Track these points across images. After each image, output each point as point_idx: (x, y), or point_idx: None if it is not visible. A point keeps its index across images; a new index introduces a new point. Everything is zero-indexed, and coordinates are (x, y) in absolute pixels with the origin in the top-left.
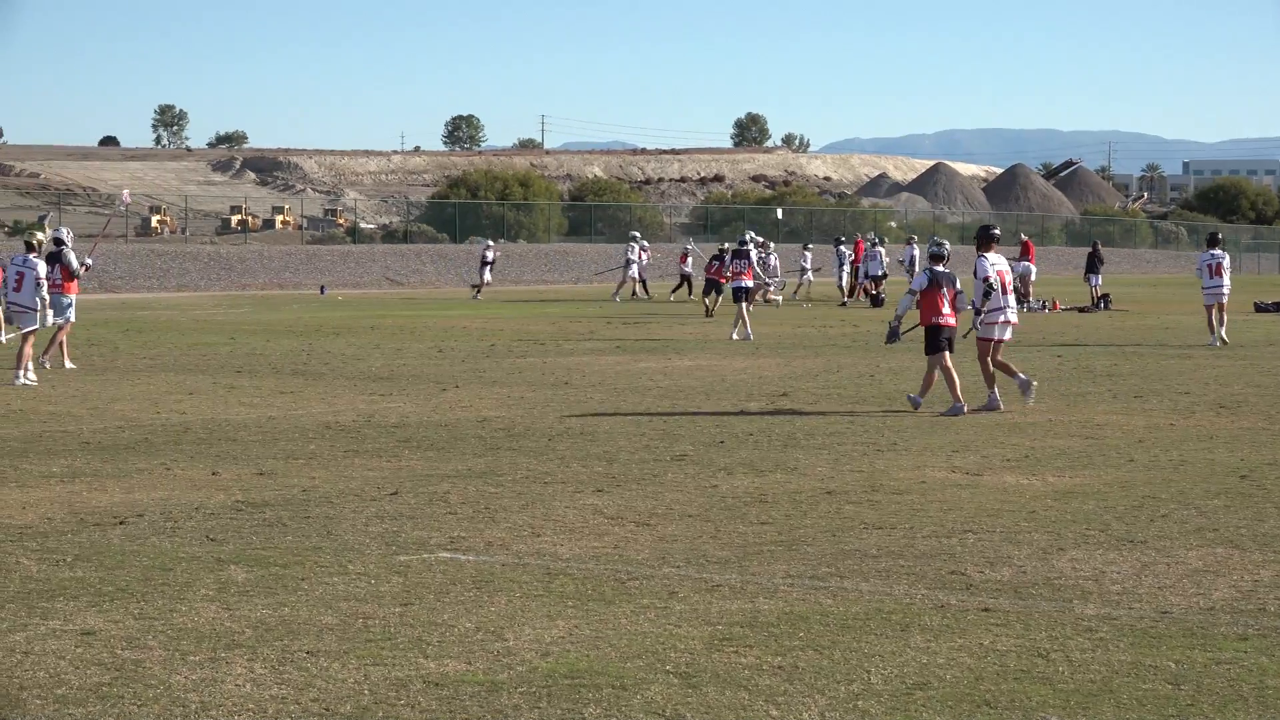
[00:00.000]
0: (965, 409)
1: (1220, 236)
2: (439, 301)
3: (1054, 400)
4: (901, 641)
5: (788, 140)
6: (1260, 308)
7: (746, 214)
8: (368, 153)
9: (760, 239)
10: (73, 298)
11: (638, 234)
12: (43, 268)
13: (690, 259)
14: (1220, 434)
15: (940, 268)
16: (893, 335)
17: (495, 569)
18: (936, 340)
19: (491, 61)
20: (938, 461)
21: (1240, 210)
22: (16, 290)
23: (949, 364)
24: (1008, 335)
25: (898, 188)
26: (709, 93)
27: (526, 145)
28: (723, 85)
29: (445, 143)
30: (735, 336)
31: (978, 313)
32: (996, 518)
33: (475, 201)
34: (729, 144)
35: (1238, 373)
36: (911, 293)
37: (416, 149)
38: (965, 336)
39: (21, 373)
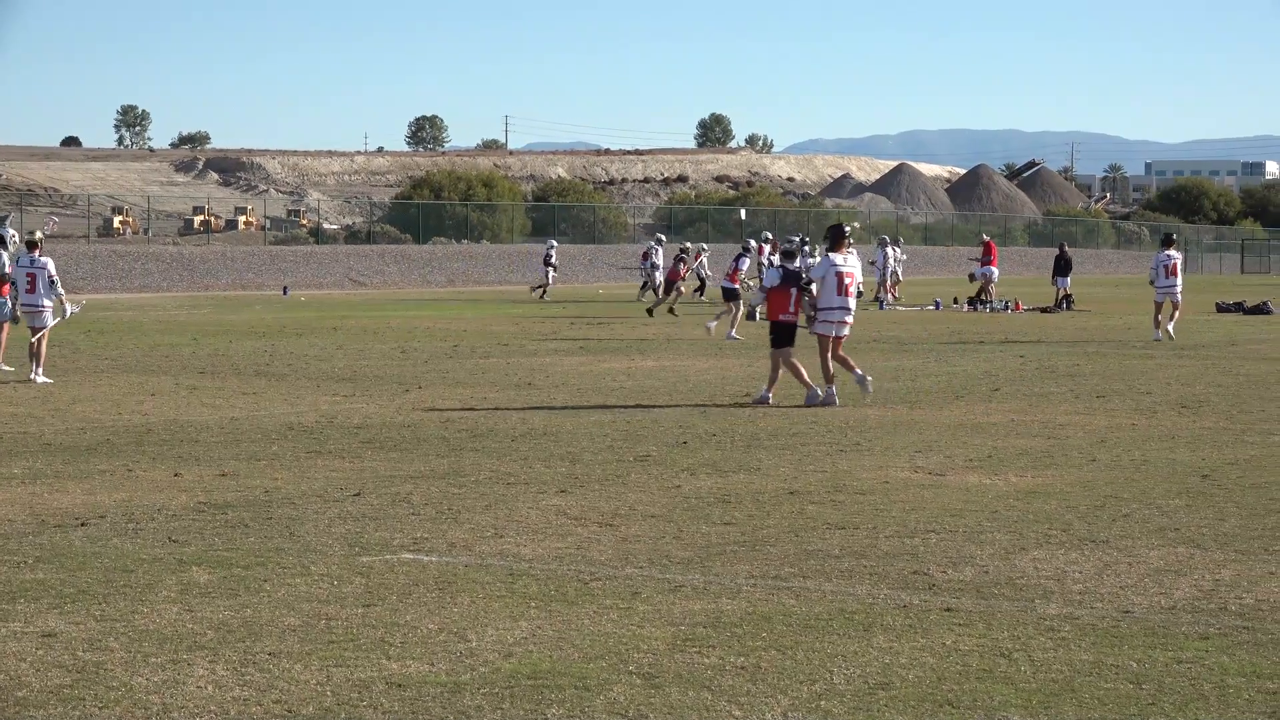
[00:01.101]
0: (821, 394)
1: (1175, 238)
2: (403, 302)
3: (1017, 400)
4: (864, 641)
5: (751, 141)
6: (1222, 308)
7: (710, 215)
8: (331, 153)
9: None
10: (5, 299)
11: (662, 236)
12: (52, 265)
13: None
14: (1182, 434)
15: (792, 265)
16: (750, 316)
17: (458, 570)
18: (782, 336)
19: (455, 62)
20: (900, 462)
21: (1202, 211)
22: (29, 291)
23: (793, 360)
24: (845, 333)
25: (861, 188)
26: (673, 93)
27: (490, 146)
28: (687, 86)
29: (409, 143)
30: (734, 335)
31: (813, 310)
32: (959, 518)
33: (439, 202)
34: (693, 144)
35: (1199, 373)
36: (763, 289)
37: (380, 149)
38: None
39: (37, 371)
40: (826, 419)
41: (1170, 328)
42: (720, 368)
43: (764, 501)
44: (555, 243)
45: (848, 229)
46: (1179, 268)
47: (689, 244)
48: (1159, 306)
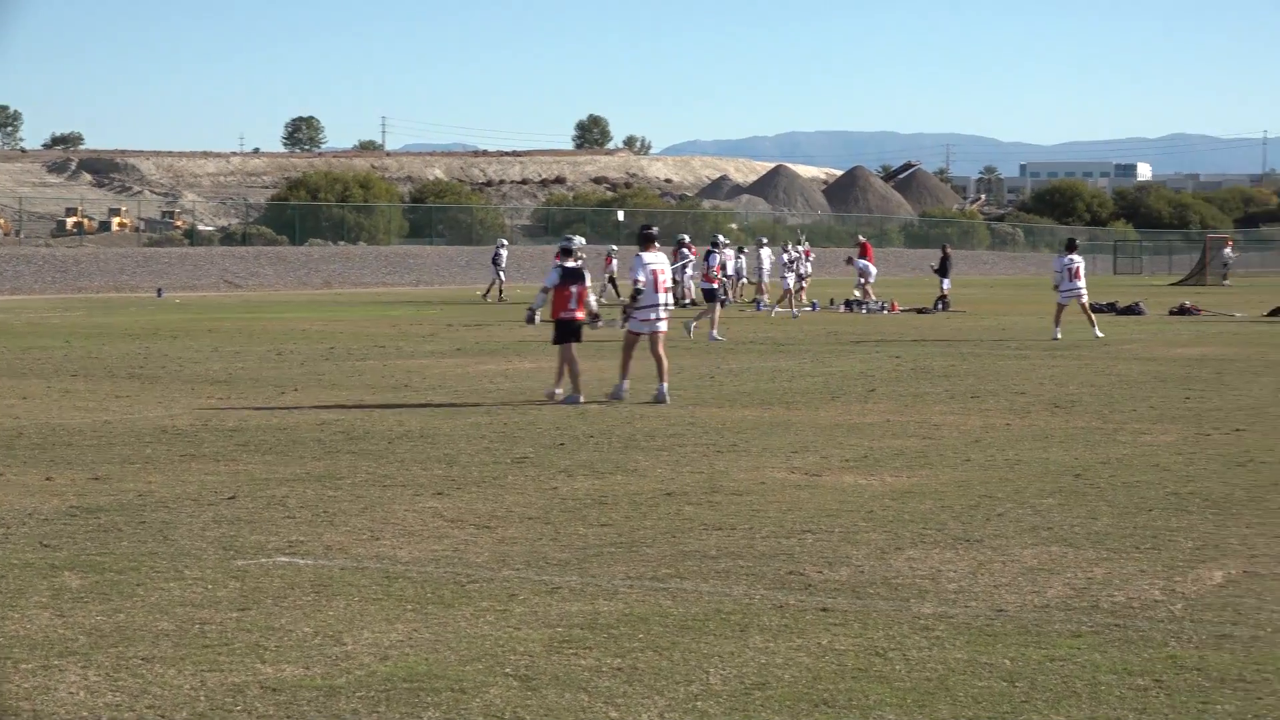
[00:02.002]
0: (581, 399)
1: (1077, 242)
2: (278, 304)
3: (892, 401)
4: (740, 642)
5: (629, 142)
6: (1095, 308)
7: (588, 216)
8: (206, 154)
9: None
10: None
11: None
12: None
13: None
14: (1055, 433)
15: (571, 264)
16: (530, 318)
17: (334, 573)
18: (564, 332)
19: (332, 62)
20: (777, 462)
21: (1076, 212)
22: None
23: (574, 355)
24: (660, 329)
25: (738, 190)
26: (551, 94)
27: (367, 147)
28: (564, 87)
29: (285, 144)
30: (716, 335)
31: (629, 309)
32: (835, 518)
33: (315, 203)
34: (570, 146)
35: (1072, 372)
36: (544, 289)
37: (256, 150)
38: (594, 327)
39: None
40: (703, 419)
41: (1097, 331)
42: (598, 369)
43: (641, 503)
44: (505, 241)
45: (654, 229)
46: (1082, 270)
47: (615, 247)
48: (1061, 309)
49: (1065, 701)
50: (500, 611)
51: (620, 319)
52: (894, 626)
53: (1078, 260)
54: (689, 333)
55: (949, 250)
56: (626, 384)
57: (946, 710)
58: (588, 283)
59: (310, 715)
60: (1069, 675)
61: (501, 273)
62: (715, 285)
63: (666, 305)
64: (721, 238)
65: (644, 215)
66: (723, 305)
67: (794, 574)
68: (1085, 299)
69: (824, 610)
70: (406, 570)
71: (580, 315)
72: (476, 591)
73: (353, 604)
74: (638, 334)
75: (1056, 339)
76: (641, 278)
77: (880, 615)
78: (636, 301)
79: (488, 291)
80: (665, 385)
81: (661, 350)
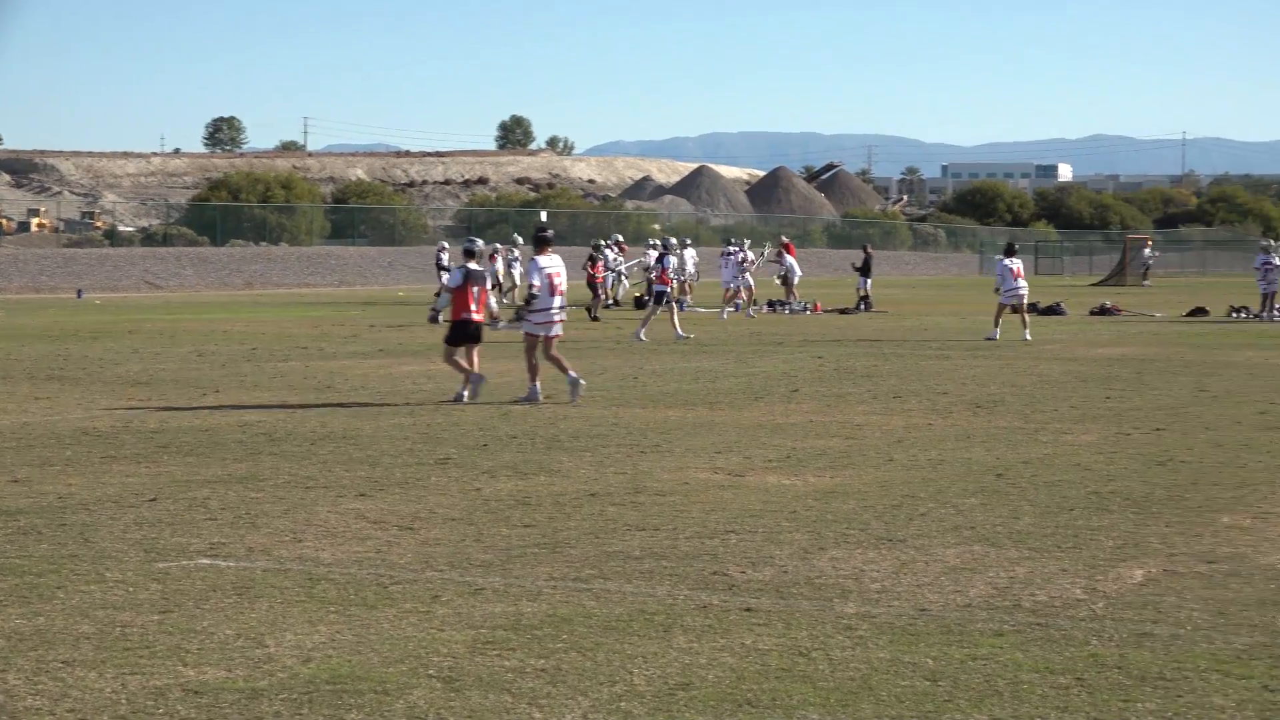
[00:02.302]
0: (466, 397)
1: (1016, 246)
2: (200, 305)
3: (815, 401)
4: (664, 642)
5: (552, 143)
6: (1016, 309)
7: (511, 217)
8: (126, 154)
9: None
10: None
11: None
12: None
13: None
14: (977, 433)
15: (474, 265)
16: (433, 318)
17: (256, 575)
18: (460, 333)
19: (253, 62)
20: (700, 463)
21: (997, 213)
22: None
23: (459, 358)
24: (556, 332)
25: (661, 190)
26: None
27: (289, 147)
28: (487, 87)
29: (206, 144)
30: (682, 334)
31: (522, 312)
32: (758, 518)
33: (237, 204)
34: (493, 146)
35: (994, 373)
36: (448, 289)
37: (177, 151)
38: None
39: None
40: (627, 420)
41: (1027, 334)
42: (521, 370)
43: (564, 503)
44: (446, 244)
45: (549, 232)
46: (1022, 271)
47: (602, 240)
48: (1002, 309)
49: (988, 700)
50: (423, 613)
51: (508, 321)
52: (817, 626)
53: (1018, 262)
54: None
55: (870, 250)
56: (538, 385)
57: (870, 710)
58: (489, 284)
59: (233, 718)
60: (991, 674)
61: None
62: (667, 286)
63: (562, 308)
64: (673, 240)
65: (567, 216)
66: (680, 308)
67: (718, 574)
68: (1025, 300)
69: (748, 610)
70: (329, 572)
71: (479, 316)
72: (400, 593)
73: (275, 606)
74: (536, 336)
75: (993, 338)
76: (536, 281)
77: (804, 615)
78: (531, 305)
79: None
80: (573, 372)
81: (555, 353)
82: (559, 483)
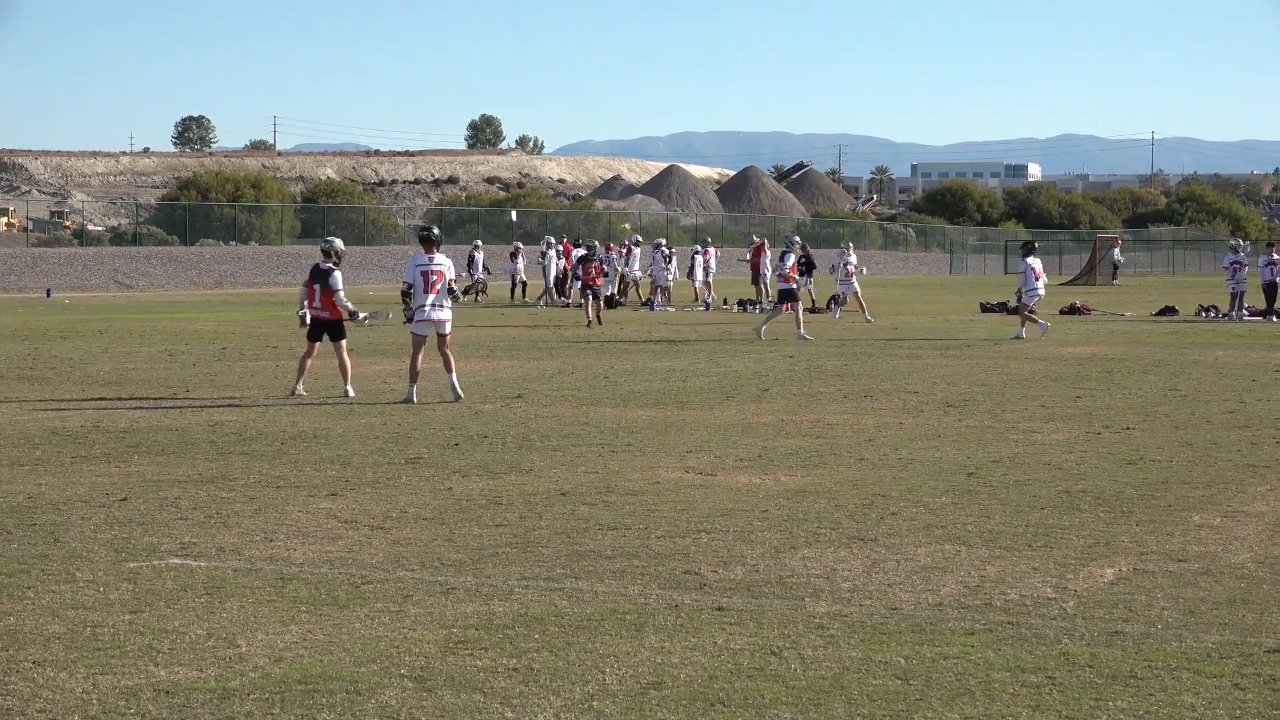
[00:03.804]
0: (353, 393)
1: (1036, 245)
2: (170, 305)
3: (786, 400)
4: (636, 641)
5: (522, 142)
6: (986, 308)
7: (481, 216)
8: (95, 154)
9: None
10: None
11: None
12: None
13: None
14: (947, 432)
15: (324, 264)
16: (352, 316)
17: (227, 575)
18: (312, 330)
19: (223, 61)
20: (671, 462)
21: (967, 212)
22: None
23: (313, 354)
24: (446, 330)
25: (632, 190)
26: (443, 94)
27: (258, 146)
28: (457, 87)
29: (175, 144)
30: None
31: (406, 313)
32: (730, 517)
33: (206, 203)
34: (463, 146)
35: (964, 372)
36: (336, 289)
37: (146, 150)
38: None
39: None
40: (598, 419)
41: (1022, 332)
42: (491, 369)
43: (536, 503)
44: (480, 242)
45: (435, 232)
46: (1041, 271)
47: (596, 242)
48: (1025, 309)
49: (959, 699)
50: (395, 613)
51: (369, 317)
52: (789, 625)
53: (1038, 262)
54: (759, 336)
55: (808, 249)
56: (415, 388)
57: (841, 709)
58: (336, 285)
59: (204, 718)
60: (963, 673)
61: (479, 273)
62: (792, 285)
63: (438, 305)
64: (795, 238)
65: (538, 216)
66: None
67: (689, 573)
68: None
69: (719, 609)
70: (300, 572)
71: (326, 314)
72: (371, 593)
73: (246, 606)
74: (421, 336)
75: (1043, 329)
76: (408, 279)
77: (775, 614)
78: (408, 303)
79: (476, 294)
80: (453, 377)
81: (447, 349)
82: (530, 482)
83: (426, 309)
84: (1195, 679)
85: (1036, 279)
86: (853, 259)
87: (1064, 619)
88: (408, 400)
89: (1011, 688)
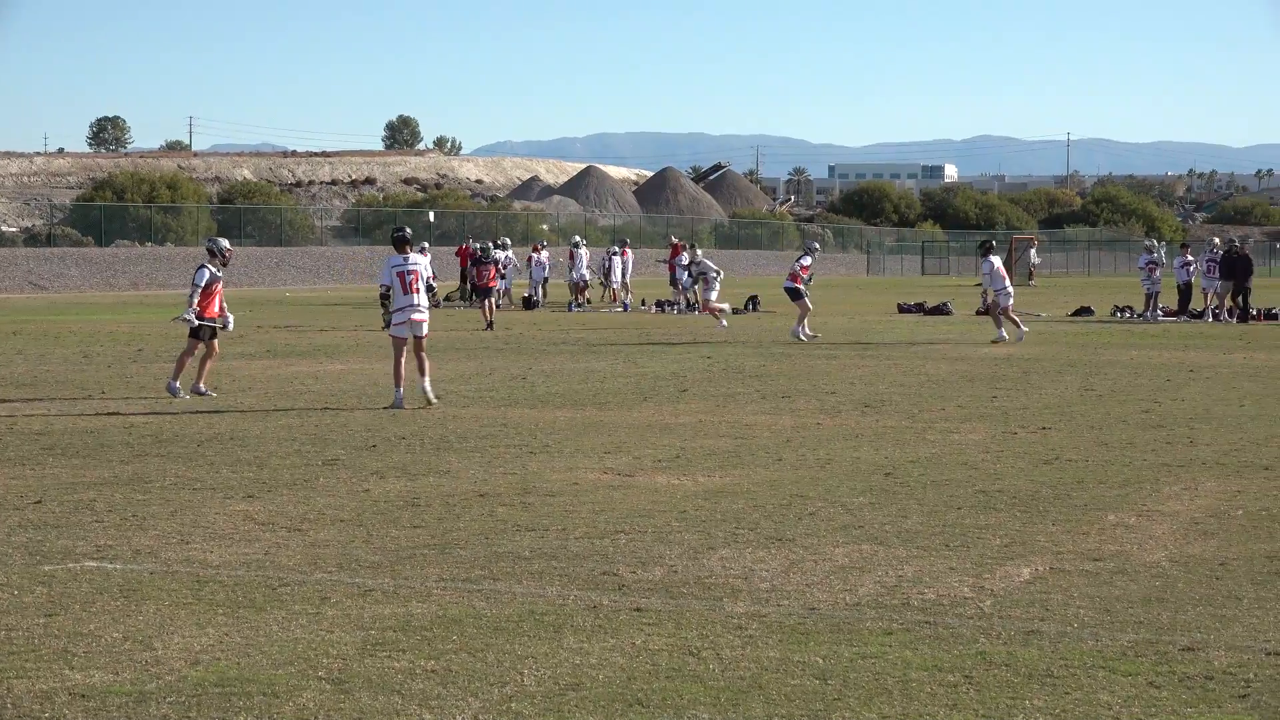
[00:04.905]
0: (204, 391)
1: (994, 244)
2: (85, 306)
3: (704, 401)
4: (554, 643)
5: (440, 143)
6: (904, 308)
7: (399, 217)
8: (9, 154)
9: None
10: None
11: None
12: None
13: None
14: (865, 433)
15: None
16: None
17: (143, 577)
18: (196, 332)
19: (138, 61)
20: (590, 463)
21: (884, 213)
22: None
23: (192, 351)
24: (423, 331)
25: (549, 190)
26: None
27: (174, 147)
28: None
29: (90, 144)
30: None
31: (385, 315)
32: (648, 518)
33: (122, 204)
34: (380, 146)
35: (882, 372)
36: (195, 286)
37: (60, 150)
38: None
39: None
40: (516, 421)
41: (1006, 334)
42: (410, 370)
43: (454, 504)
44: (581, 239)
45: (408, 232)
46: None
47: (491, 242)
48: (1007, 310)
49: (877, 699)
50: (312, 615)
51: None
52: (707, 626)
53: (999, 260)
54: (800, 337)
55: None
56: (401, 392)
57: (760, 709)
58: (198, 281)
59: None
60: (880, 672)
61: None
62: (799, 285)
63: (418, 306)
64: (815, 243)
65: (455, 216)
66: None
67: (607, 574)
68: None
69: (637, 610)
70: (217, 574)
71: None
72: (288, 595)
73: (163, 608)
74: (401, 339)
75: (1003, 339)
76: (386, 281)
77: (693, 615)
78: (387, 306)
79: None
80: (427, 381)
81: (423, 353)
82: (448, 483)
83: (411, 310)
84: (1111, 677)
85: (1004, 277)
86: (699, 256)
87: (981, 618)
88: (397, 405)
89: (929, 687)
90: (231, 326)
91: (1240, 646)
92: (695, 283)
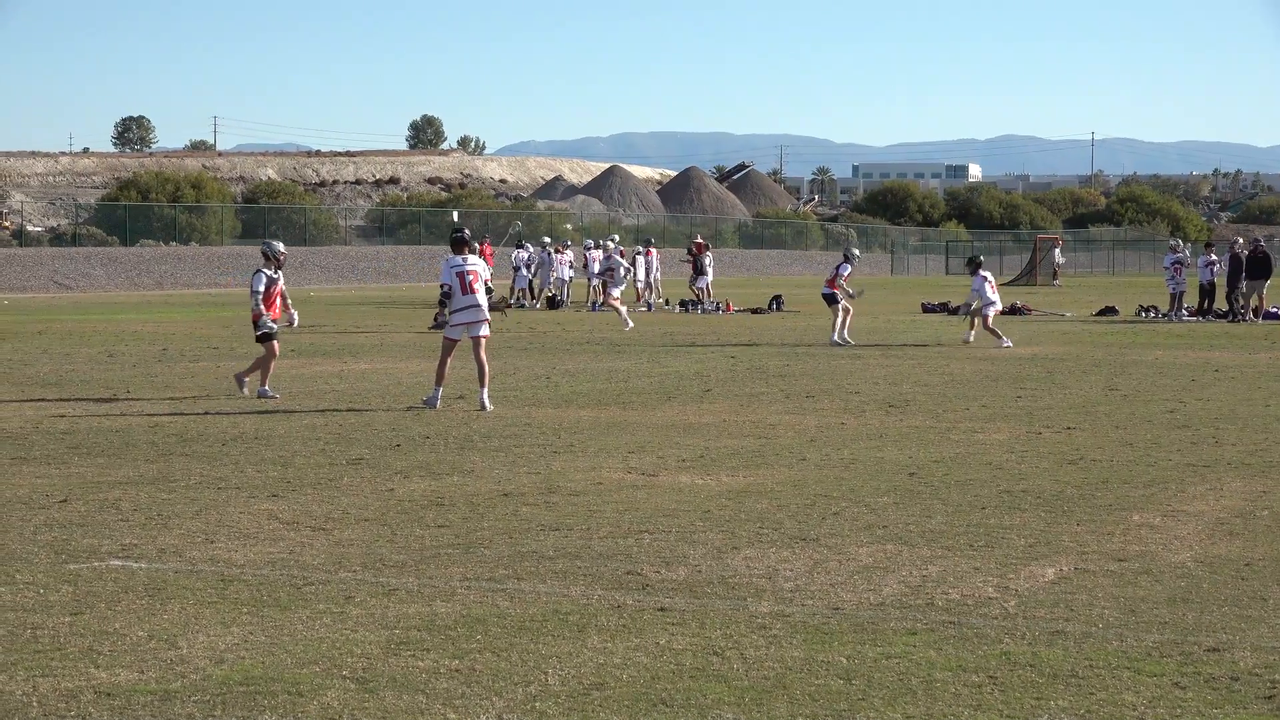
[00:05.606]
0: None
1: (982, 259)
2: (110, 306)
3: (728, 401)
4: (578, 642)
5: (463, 142)
6: (928, 308)
7: (423, 217)
8: (34, 154)
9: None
10: None
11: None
12: None
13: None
14: (889, 432)
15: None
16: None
17: (168, 576)
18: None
19: (163, 61)
20: (614, 463)
21: (908, 213)
22: None
23: (275, 354)
24: (481, 332)
25: (573, 190)
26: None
27: (199, 147)
28: (398, 87)
29: (115, 144)
30: (846, 337)
31: (440, 316)
32: (672, 518)
33: (146, 204)
34: (404, 146)
35: (906, 372)
36: (255, 293)
37: (85, 150)
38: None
39: None
40: (540, 420)
41: (972, 336)
42: (432, 370)
43: (478, 504)
44: (529, 245)
45: (466, 233)
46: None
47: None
48: (986, 318)
49: (901, 699)
50: (337, 614)
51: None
52: (731, 625)
53: (988, 274)
54: (844, 340)
55: (704, 243)
56: (439, 391)
57: (784, 709)
58: (256, 285)
59: None
60: (905, 672)
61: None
62: (835, 290)
63: (479, 308)
64: (855, 250)
65: (479, 216)
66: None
67: (631, 574)
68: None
69: (661, 610)
70: (242, 573)
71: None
72: (313, 594)
73: (188, 607)
74: (453, 340)
75: (1009, 345)
76: (447, 281)
77: (717, 614)
78: (444, 307)
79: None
80: (485, 392)
81: (484, 355)
82: (472, 483)
83: (469, 312)
84: (1136, 678)
85: (993, 291)
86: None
87: (1005, 618)
88: (431, 403)
89: (953, 687)
90: (296, 322)
91: (1266, 647)
92: (601, 277)
